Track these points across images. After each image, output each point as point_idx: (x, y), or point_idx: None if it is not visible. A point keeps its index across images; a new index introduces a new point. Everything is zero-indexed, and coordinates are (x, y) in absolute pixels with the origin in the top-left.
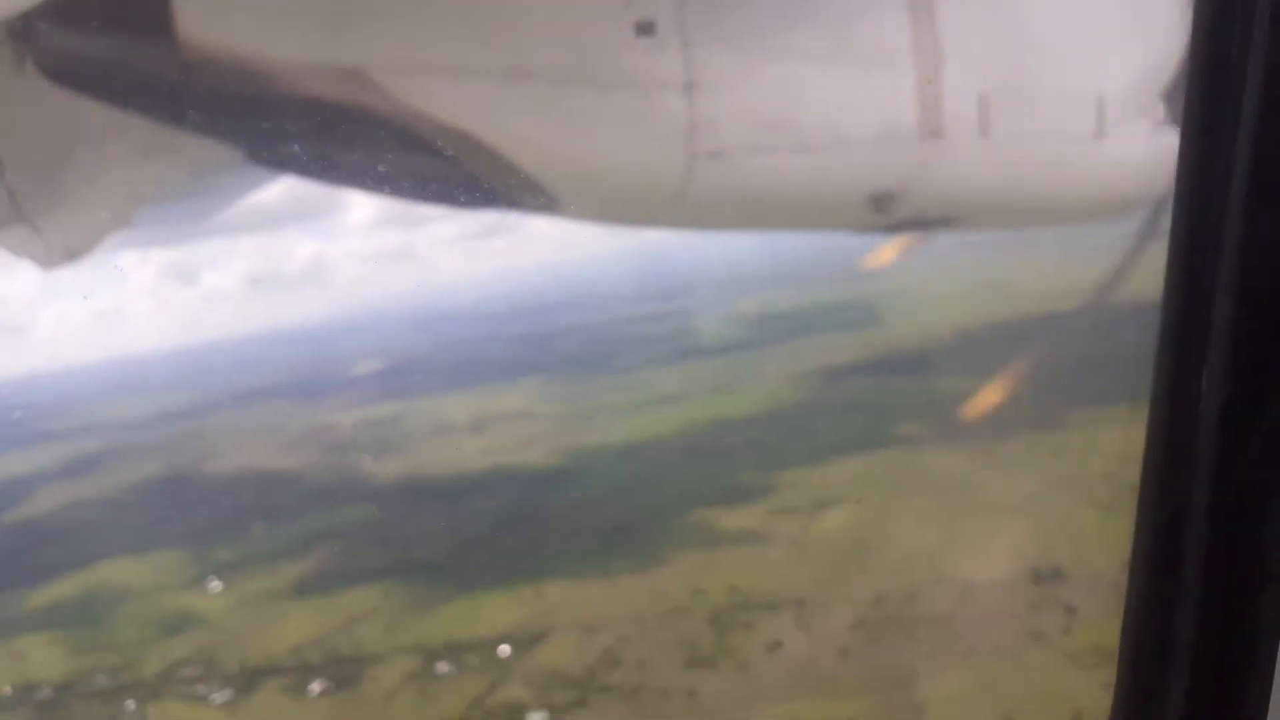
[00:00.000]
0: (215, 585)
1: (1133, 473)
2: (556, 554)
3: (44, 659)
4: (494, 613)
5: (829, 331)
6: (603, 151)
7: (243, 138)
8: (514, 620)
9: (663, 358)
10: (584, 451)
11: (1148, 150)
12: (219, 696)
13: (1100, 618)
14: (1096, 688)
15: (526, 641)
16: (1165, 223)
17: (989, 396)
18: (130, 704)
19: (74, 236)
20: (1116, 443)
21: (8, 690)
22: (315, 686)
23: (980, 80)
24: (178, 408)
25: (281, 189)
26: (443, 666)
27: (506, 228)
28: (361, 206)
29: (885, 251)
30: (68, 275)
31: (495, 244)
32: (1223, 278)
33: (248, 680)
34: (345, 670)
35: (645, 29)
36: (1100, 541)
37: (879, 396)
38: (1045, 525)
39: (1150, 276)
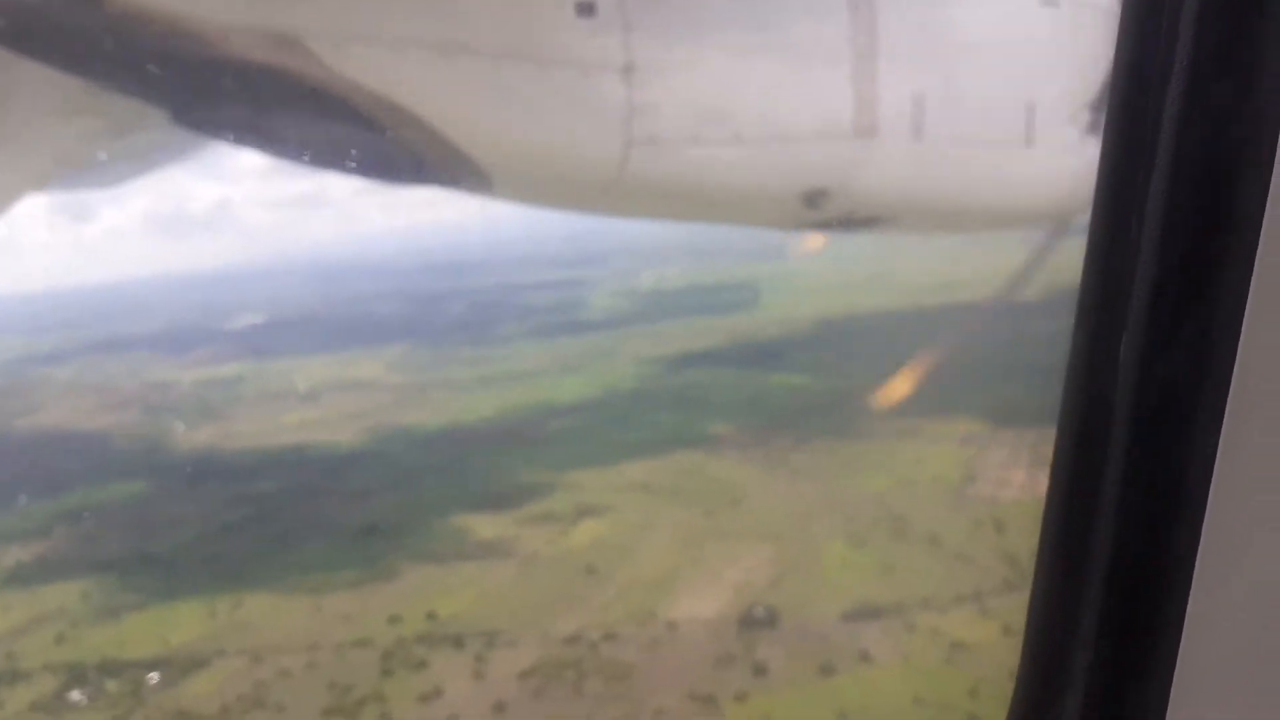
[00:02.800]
0: None
1: (902, 497)
2: (288, 557)
3: None
4: (176, 627)
5: (705, 313)
6: (539, 131)
7: (170, 99)
8: (189, 639)
9: (540, 330)
10: (396, 433)
11: (1075, 158)
12: None
13: (787, 681)
14: None
15: (184, 668)
16: (1078, 222)
17: (899, 386)
18: None
19: None
20: (925, 458)
21: None
22: None
23: (915, 82)
24: (20, 354)
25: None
26: (76, 695)
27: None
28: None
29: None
30: None
31: (416, 196)
32: (1141, 270)
33: None
34: None
35: (586, 9)
36: (832, 580)
37: (711, 389)
38: (789, 555)
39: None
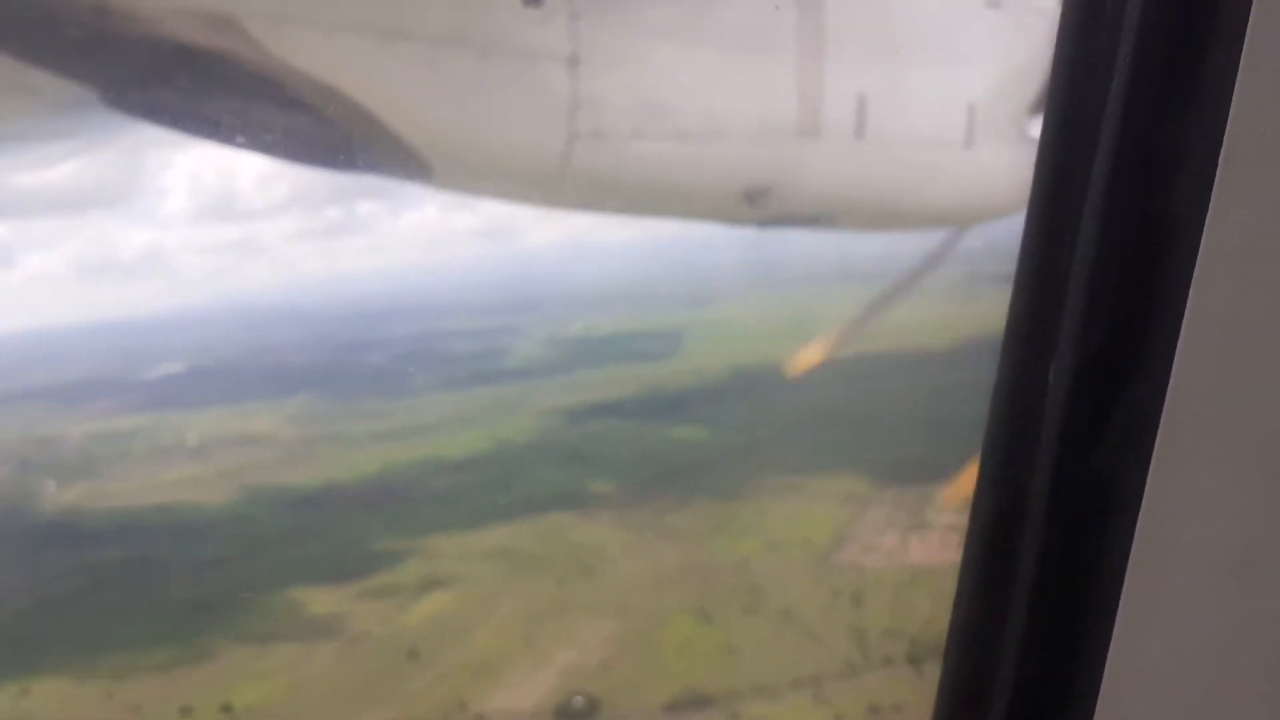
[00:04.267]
0: None
1: (765, 565)
2: (101, 636)
3: None
4: None
5: (625, 361)
6: (480, 120)
7: (99, 79)
8: None
9: (454, 381)
10: (268, 493)
11: (1014, 161)
12: None
13: None
14: None
15: None
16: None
17: (809, 355)
18: None
19: None
20: (800, 519)
21: None
22: None
23: (859, 82)
24: None
25: (76, 169)
26: None
27: (362, 226)
28: (177, 194)
29: (808, 354)
30: None
31: (355, 242)
32: (1075, 272)
33: None
34: None
35: None
36: (668, 663)
37: (607, 443)
38: (630, 633)
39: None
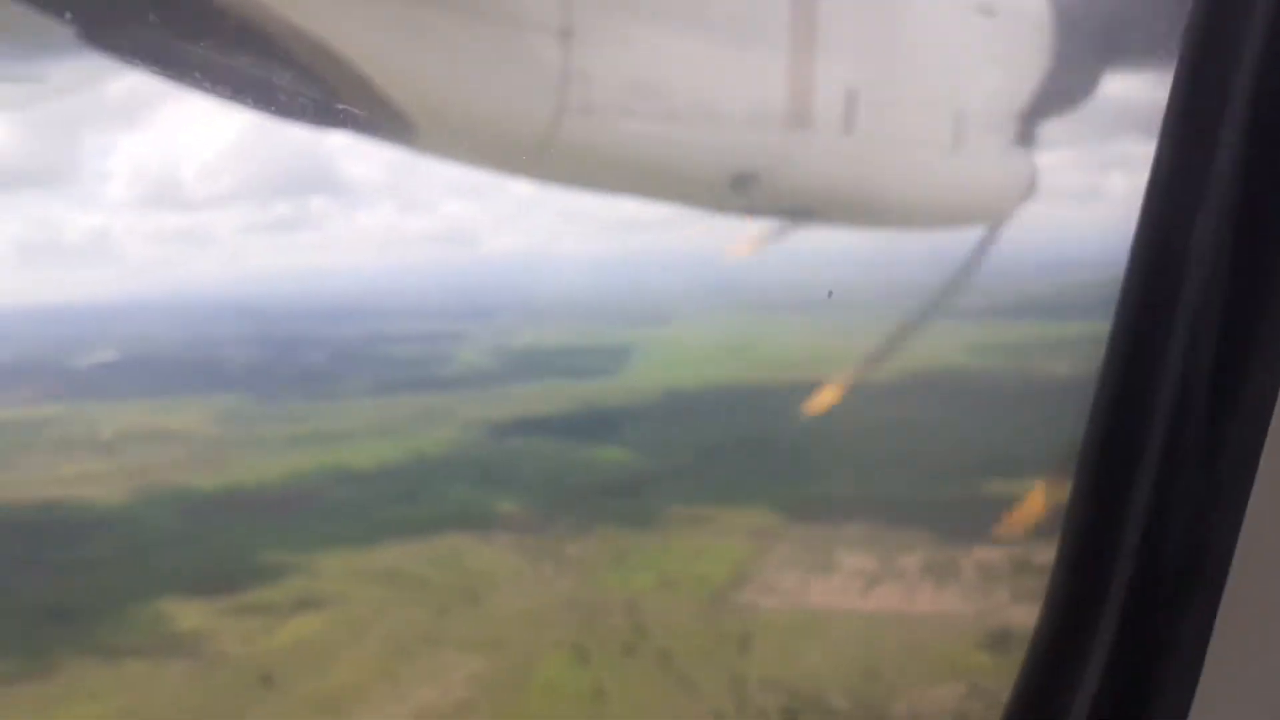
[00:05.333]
0: None
1: (657, 600)
2: None
3: None
4: None
5: (564, 376)
6: (468, 85)
7: (78, 17)
8: None
9: (389, 386)
10: (165, 495)
11: (999, 167)
12: None
13: None
14: None
15: None
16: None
17: (826, 396)
18: None
19: None
20: (704, 552)
21: None
22: None
23: (850, 75)
24: None
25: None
26: None
27: (310, 222)
28: (122, 178)
29: (744, 243)
30: None
31: (308, 237)
32: (1183, 299)
33: None
34: None
35: None
36: (531, 707)
37: (524, 461)
38: (499, 671)
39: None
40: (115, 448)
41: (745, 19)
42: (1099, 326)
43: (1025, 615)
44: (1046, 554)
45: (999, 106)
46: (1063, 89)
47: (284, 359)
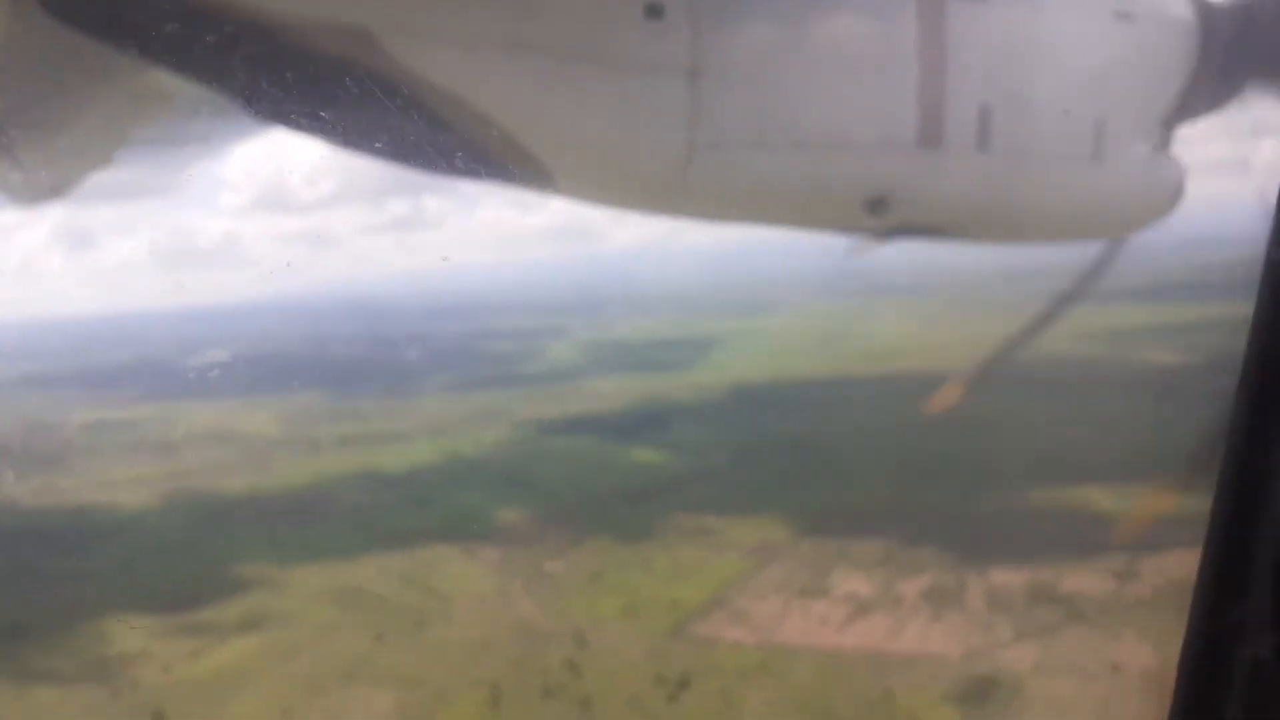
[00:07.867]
0: None
1: (610, 629)
2: None
3: None
4: None
5: (640, 370)
6: (602, 133)
7: (240, 89)
8: None
9: (463, 384)
10: (189, 501)
11: (1144, 176)
12: None
13: None
14: None
15: None
16: (1094, 285)
17: (947, 395)
18: None
19: (56, 171)
20: (691, 572)
21: None
22: None
23: (982, 92)
24: None
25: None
26: None
27: (427, 221)
28: (235, 186)
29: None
30: None
31: (430, 237)
32: None
33: None
34: None
35: (654, 11)
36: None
37: (556, 463)
38: (408, 713)
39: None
40: (177, 450)
41: (874, 40)
42: (1238, 308)
43: (1021, 658)
44: (1074, 580)
45: (1141, 114)
46: (1208, 93)
47: (379, 357)
